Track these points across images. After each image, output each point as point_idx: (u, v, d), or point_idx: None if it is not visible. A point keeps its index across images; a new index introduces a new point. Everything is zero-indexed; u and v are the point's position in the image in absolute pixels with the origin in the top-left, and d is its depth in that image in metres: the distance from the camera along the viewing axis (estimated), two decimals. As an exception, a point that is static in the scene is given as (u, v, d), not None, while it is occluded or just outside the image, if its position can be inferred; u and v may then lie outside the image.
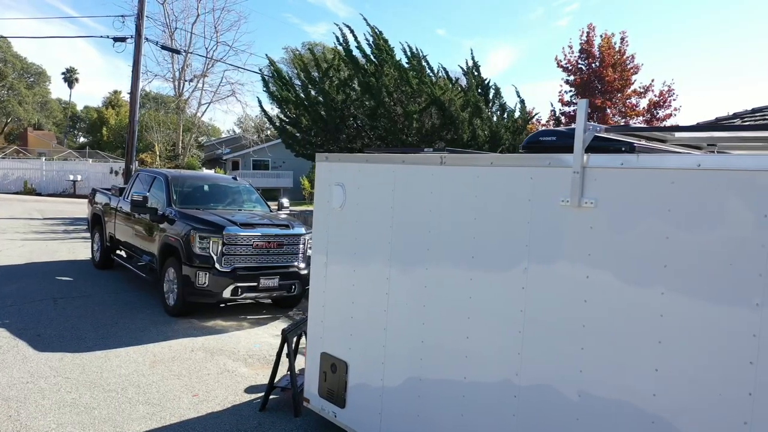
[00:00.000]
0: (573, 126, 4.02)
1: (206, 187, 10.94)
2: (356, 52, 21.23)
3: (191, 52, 37.34)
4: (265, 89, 22.16)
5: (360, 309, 4.66)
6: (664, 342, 2.89)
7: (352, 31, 21.45)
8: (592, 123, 3.31)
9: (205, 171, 33.00)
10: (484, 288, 3.75)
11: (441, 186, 4.06)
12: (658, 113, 22.43)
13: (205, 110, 55.16)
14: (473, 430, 3.78)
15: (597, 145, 3.54)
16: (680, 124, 19.62)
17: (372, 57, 20.68)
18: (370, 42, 20.86)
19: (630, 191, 3.06)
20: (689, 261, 2.81)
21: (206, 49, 41.50)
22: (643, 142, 3.84)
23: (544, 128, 4.77)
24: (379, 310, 4.47)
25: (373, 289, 4.53)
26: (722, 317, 2.69)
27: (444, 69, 21.40)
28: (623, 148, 3.81)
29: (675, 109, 22.30)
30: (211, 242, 8.60)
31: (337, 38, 21.24)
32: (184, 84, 38.11)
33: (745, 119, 9.95)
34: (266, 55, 27.32)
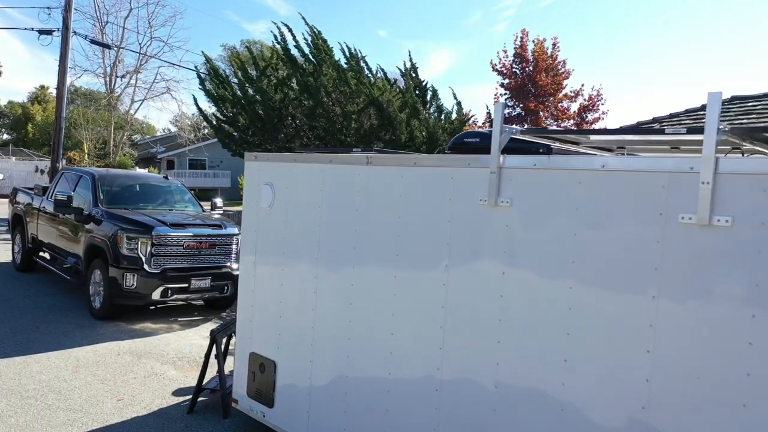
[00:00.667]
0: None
1: (136, 187, 10.64)
2: (295, 52, 21.10)
3: (123, 47, 36.15)
4: (201, 87, 21.71)
5: (288, 308, 4.67)
6: (572, 333, 3.04)
7: (290, 30, 21.29)
8: (507, 126, 3.44)
9: (138, 170, 32.02)
10: (408, 285, 3.83)
11: (367, 185, 4.13)
12: (587, 117, 23.33)
13: (139, 107, 53.46)
14: (398, 425, 3.85)
15: (518, 147, 3.69)
16: (607, 127, 20.44)
17: (310, 56, 20.60)
18: (309, 41, 20.78)
19: (542, 191, 3.21)
20: (594, 256, 2.98)
21: (140, 44, 40.24)
22: (558, 144, 4.01)
23: (468, 131, 4.91)
24: (308, 309, 4.49)
25: (302, 288, 4.55)
26: (623, 309, 2.86)
27: (382, 70, 21.54)
28: (540, 150, 3.98)
29: (603, 113, 23.26)
30: (139, 243, 8.38)
31: (275, 37, 21.05)
32: (115, 80, 36.86)
33: (663, 123, 10.50)
34: (202, 52, 26.78)
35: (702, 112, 10.82)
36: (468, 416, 3.49)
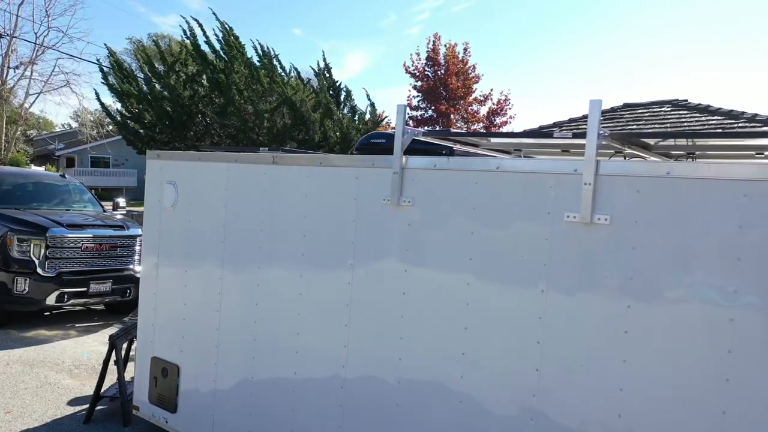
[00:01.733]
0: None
1: (29, 186, 9.99)
2: (206, 48, 20.52)
3: (17, 37, 33.75)
4: (104, 81, 20.65)
5: (192, 310, 4.56)
6: (469, 328, 3.17)
7: (200, 26, 20.69)
8: (410, 127, 3.54)
9: (34, 168, 29.98)
10: (314, 284, 3.85)
11: (273, 185, 4.11)
12: (495, 120, 24.19)
13: (35, 101, 50.03)
14: (303, 424, 3.86)
15: (423, 148, 3.80)
16: (513, 131, 21.29)
17: (222, 53, 20.11)
18: (220, 38, 20.28)
19: (442, 191, 3.33)
20: (490, 253, 3.12)
21: (35, 34, 37.73)
22: (459, 146, 4.17)
23: (375, 132, 5.00)
24: (212, 311, 4.41)
25: (206, 290, 4.46)
26: (515, 303, 3.02)
27: (296, 69, 21.37)
28: (443, 152, 4.12)
29: (511, 117, 24.21)
30: (32, 245, 7.88)
31: (185, 32, 20.39)
32: (8, 71, 34.31)
33: (563, 127, 11.08)
34: (105, 44, 25.49)
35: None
36: (372, 412, 3.55)
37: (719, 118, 9.85)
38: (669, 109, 11.02)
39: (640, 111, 11.36)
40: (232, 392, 4.27)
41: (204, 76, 20.32)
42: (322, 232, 3.82)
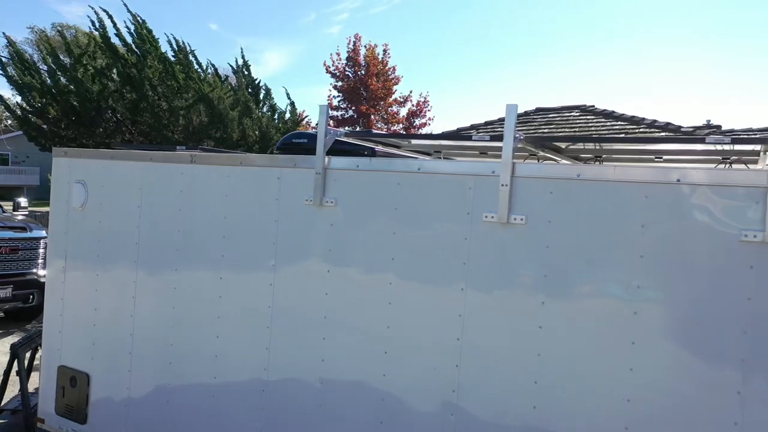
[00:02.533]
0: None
1: None
2: (116, 41, 19.61)
3: None
4: (2, 72, 19.29)
5: (104, 315, 4.35)
6: (392, 326, 3.21)
7: (110, 17, 19.75)
8: (332, 128, 3.54)
9: None
10: (234, 286, 3.77)
11: (191, 185, 3.99)
12: (415, 122, 24.58)
13: None
14: (223, 430, 3.78)
15: (345, 149, 3.81)
16: (432, 132, 21.75)
17: (134, 47, 19.28)
18: (132, 30, 19.43)
19: (365, 191, 3.36)
20: (412, 253, 3.18)
21: None
22: (382, 147, 4.21)
23: (296, 131, 4.97)
24: (126, 316, 4.22)
25: (119, 294, 4.26)
26: (436, 301, 3.09)
27: (213, 66, 20.80)
28: (366, 152, 4.15)
29: (430, 119, 24.68)
30: None
31: (93, 23, 19.41)
32: None
33: (479, 130, 11.42)
34: (3, 33, 23.82)
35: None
36: (294, 414, 3.53)
37: (622, 123, 10.46)
38: (578, 114, 11.60)
39: (551, 115, 11.88)
40: (147, 400, 4.11)
41: (114, 70, 19.42)
42: (243, 232, 3.75)
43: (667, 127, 9.66)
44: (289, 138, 4.83)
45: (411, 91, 24.69)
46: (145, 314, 4.14)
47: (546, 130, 10.84)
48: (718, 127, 28.12)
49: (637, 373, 2.60)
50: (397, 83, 24.25)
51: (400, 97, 24.54)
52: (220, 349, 3.81)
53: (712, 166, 3.76)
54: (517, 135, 2.95)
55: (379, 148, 4.25)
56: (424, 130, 24.42)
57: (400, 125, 24.53)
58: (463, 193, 3.04)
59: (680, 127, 9.64)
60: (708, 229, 2.52)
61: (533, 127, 11.22)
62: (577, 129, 10.63)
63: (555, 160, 3.89)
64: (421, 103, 24.29)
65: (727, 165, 3.63)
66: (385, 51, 24.06)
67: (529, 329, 2.84)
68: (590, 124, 10.78)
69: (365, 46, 24.04)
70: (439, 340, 3.07)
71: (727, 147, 3.09)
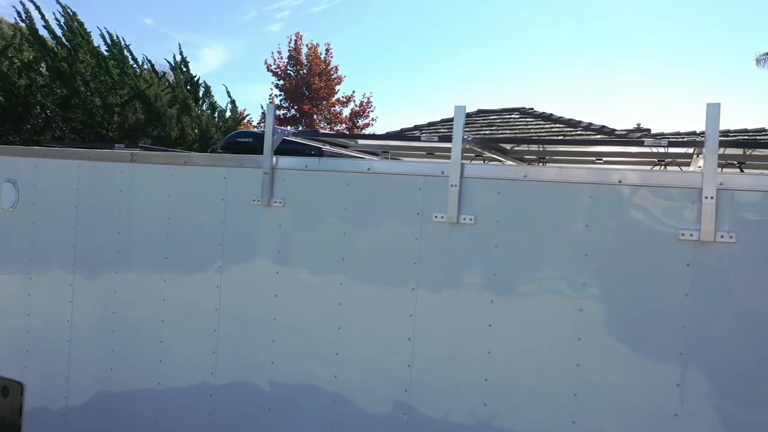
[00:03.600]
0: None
1: None
2: (45, 33, 18.71)
3: None
4: None
5: (38, 321, 4.15)
6: (343, 327, 3.20)
7: (38, 8, 18.84)
8: (280, 127, 3.50)
9: None
10: (179, 289, 3.68)
11: (132, 185, 3.86)
12: (358, 122, 24.57)
13: None
14: (168, 436, 3.67)
15: (292, 148, 3.76)
16: (375, 133, 21.81)
17: (63, 40, 18.45)
18: (62, 23, 18.60)
19: (314, 192, 3.33)
20: (362, 253, 3.18)
21: None
22: (329, 147, 4.19)
23: (241, 130, 4.88)
24: (62, 321, 4.04)
25: (54, 298, 4.08)
26: (387, 301, 3.10)
27: (150, 62, 20.13)
28: (312, 152, 4.11)
29: (373, 119, 24.71)
30: None
31: (19, 14, 18.46)
32: None
33: (423, 130, 11.54)
34: None
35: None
36: (242, 418, 3.47)
37: (561, 125, 10.81)
38: (518, 116, 11.89)
39: (492, 117, 12.13)
40: (86, 408, 3.95)
41: (43, 64, 18.55)
42: (188, 234, 3.66)
43: (602, 130, 10.04)
44: (233, 137, 4.73)
45: (354, 92, 24.65)
46: (84, 319, 3.98)
47: (488, 132, 11.06)
48: (648, 130, 29.45)
49: (584, 368, 2.69)
50: (339, 83, 24.15)
51: (342, 97, 24.46)
52: (164, 353, 3.69)
53: (648, 168, 3.92)
54: (465, 136, 2.99)
55: (326, 147, 4.22)
56: (367, 131, 24.45)
57: (344, 125, 24.45)
58: (413, 193, 3.06)
59: (614, 130, 10.04)
60: (648, 229, 2.63)
61: (475, 129, 11.43)
62: (517, 131, 10.90)
63: (500, 161, 3.97)
64: (364, 104, 24.29)
65: (663, 167, 3.81)
66: (327, 50, 23.93)
67: (479, 328, 2.89)
68: (530, 126, 11.07)
69: (307, 45, 23.83)
70: (390, 340, 3.09)
71: (662, 150, 3.24)
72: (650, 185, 2.64)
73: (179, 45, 26.02)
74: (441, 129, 11.77)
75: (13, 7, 24.26)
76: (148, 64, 20.51)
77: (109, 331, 3.88)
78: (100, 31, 19.61)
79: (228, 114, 21.91)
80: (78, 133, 19.06)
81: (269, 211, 3.41)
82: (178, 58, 20.57)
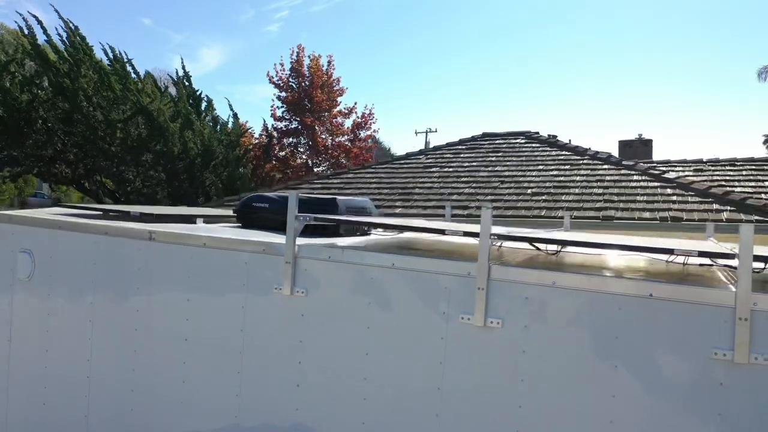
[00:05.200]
0: (284, 193, 4.19)
1: None
2: (46, 45, 18.73)
3: None
4: None
5: (54, 392, 4.13)
6: (366, 423, 3.19)
7: (40, 23, 18.84)
8: (302, 214, 3.46)
9: None
10: (198, 370, 3.65)
11: (151, 263, 3.84)
12: (360, 133, 24.57)
13: None
14: None
15: (315, 224, 3.72)
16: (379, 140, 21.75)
17: (66, 54, 18.44)
18: (64, 38, 18.58)
19: (337, 283, 3.32)
20: (385, 348, 3.16)
21: None
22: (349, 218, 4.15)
23: (257, 194, 4.86)
24: (80, 396, 4.02)
25: (71, 373, 4.06)
26: (410, 403, 3.08)
27: (152, 76, 20.16)
28: (341, 231, 4.11)
29: (375, 131, 24.72)
30: None
31: (21, 29, 18.48)
32: None
33: (428, 155, 11.49)
34: None
35: (459, 146, 12.12)
36: None
37: (567, 153, 10.79)
38: (523, 141, 11.88)
39: (498, 141, 12.12)
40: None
41: (45, 79, 18.53)
42: (209, 317, 3.63)
43: (608, 159, 10.03)
44: (249, 201, 4.72)
45: (356, 103, 24.69)
46: (101, 395, 3.96)
47: (493, 158, 11.05)
48: (650, 141, 29.24)
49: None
50: (341, 94, 24.16)
51: (344, 108, 24.45)
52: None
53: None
54: (492, 235, 2.98)
55: (355, 219, 4.12)
56: (369, 142, 24.51)
57: (345, 136, 24.46)
58: (439, 292, 3.05)
59: (621, 160, 10.02)
60: (679, 345, 2.62)
61: (481, 154, 11.41)
62: (523, 157, 10.88)
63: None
64: (366, 115, 24.30)
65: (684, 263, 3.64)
66: (329, 62, 23.90)
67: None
68: (536, 153, 11.05)
69: (309, 56, 23.81)
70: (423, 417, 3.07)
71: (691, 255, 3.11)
72: (683, 301, 2.63)
73: (182, 59, 26.02)
74: (446, 153, 11.74)
75: (15, 21, 24.18)
76: (150, 79, 20.47)
77: (128, 410, 3.86)
78: (103, 46, 19.58)
79: (230, 125, 21.89)
80: (80, 147, 19.03)
81: (292, 299, 3.39)
82: (181, 72, 20.58)
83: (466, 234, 3.22)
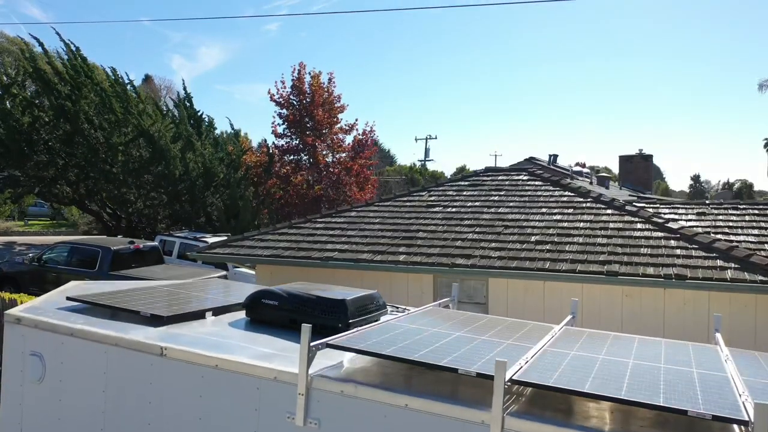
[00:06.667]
0: (293, 288, 4.20)
1: None
2: (48, 68, 18.76)
3: None
4: None
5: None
6: None
7: (41, 44, 18.86)
8: (313, 344, 3.46)
9: None
10: (210, 494, 3.67)
11: (162, 379, 3.85)
12: (362, 151, 24.56)
13: None
14: None
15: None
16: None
17: (67, 76, 18.45)
18: (65, 61, 18.59)
19: (349, 417, 3.33)
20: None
21: None
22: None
23: (266, 289, 4.85)
24: (89, 504, 4.04)
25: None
26: None
27: (152, 98, 20.18)
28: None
29: (375, 149, 24.70)
30: None
31: (22, 51, 18.50)
32: None
33: (431, 191, 11.49)
34: None
35: (462, 182, 12.12)
36: None
37: (570, 194, 10.81)
38: (526, 178, 11.89)
39: (500, 178, 12.13)
40: None
41: (46, 101, 18.55)
42: (220, 438, 3.65)
43: (612, 204, 10.04)
44: (259, 296, 4.72)
45: (357, 119, 24.68)
46: (112, 508, 3.97)
47: (496, 198, 11.06)
48: (650, 156, 29.24)
49: None
50: (342, 112, 24.14)
51: (345, 125, 24.45)
52: None
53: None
54: (505, 386, 2.99)
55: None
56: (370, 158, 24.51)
57: (345, 153, 24.45)
58: (452, 436, 3.06)
59: (624, 205, 10.04)
60: None
61: (484, 192, 11.42)
62: (526, 198, 10.89)
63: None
64: (367, 132, 24.30)
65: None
66: (330, 80, 23.86)
67: None
68: (539, 193, 11.06)
69: (310, 74, 23.77)
70: None
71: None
72: None
73: (183, 81, 26.06)
74: (449, 191, 11.75)
75: (16, 44, 24.14)
76: (151, 101, 20.48)
77: None
78: (105, 69, 19.56)
79: (232, 133, 21.79)
80: (81, 168, 19.04)
81: (304, 430, 3.41)
82: (182, 94, 20.59)
83: (480, 375, 3.23)
